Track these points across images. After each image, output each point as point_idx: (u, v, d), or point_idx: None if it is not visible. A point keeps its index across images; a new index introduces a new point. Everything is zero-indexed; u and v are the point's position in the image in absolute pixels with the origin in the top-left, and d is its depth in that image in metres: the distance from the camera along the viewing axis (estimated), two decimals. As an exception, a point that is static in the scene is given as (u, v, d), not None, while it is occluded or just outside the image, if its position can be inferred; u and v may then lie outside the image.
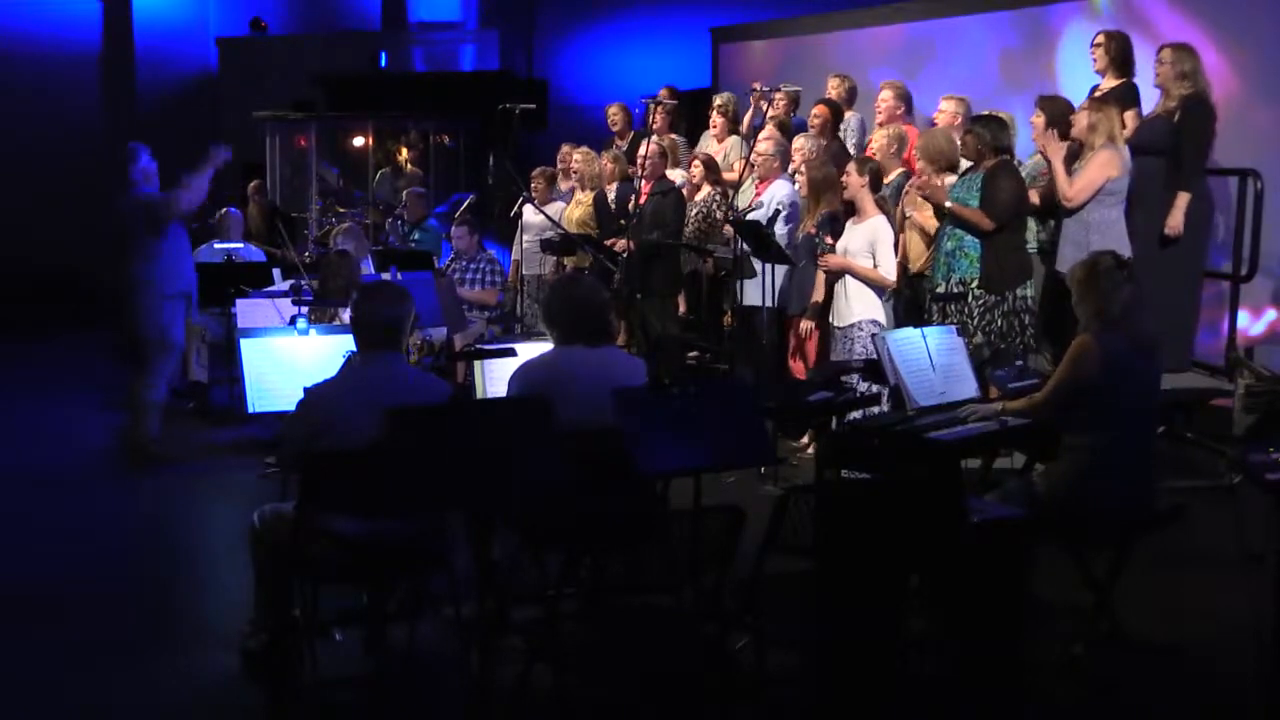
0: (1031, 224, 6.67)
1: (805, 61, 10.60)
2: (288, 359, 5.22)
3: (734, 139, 9.11)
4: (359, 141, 14.42)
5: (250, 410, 5.17)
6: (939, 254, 6.47)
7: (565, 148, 9.53)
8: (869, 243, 6.66)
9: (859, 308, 6.67)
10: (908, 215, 6.83)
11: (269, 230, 10.99)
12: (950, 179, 6.61)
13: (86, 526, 6.18)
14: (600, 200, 8.79)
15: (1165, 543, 4.87)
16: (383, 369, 4.19)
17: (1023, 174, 6.61)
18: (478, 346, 5.53)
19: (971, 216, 6.28)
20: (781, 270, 7.22)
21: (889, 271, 6.67)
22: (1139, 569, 4.58)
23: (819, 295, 7.01)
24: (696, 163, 8.38)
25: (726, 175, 8.45)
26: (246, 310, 7.44)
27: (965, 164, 6.60)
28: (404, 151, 13.96)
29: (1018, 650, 3.99)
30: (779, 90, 8.77)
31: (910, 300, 6.81)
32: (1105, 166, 6.28)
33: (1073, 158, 6.51)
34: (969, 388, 5.04)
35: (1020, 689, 3.99)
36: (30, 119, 14.46)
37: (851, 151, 8.07)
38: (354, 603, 4.52)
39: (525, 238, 9.07)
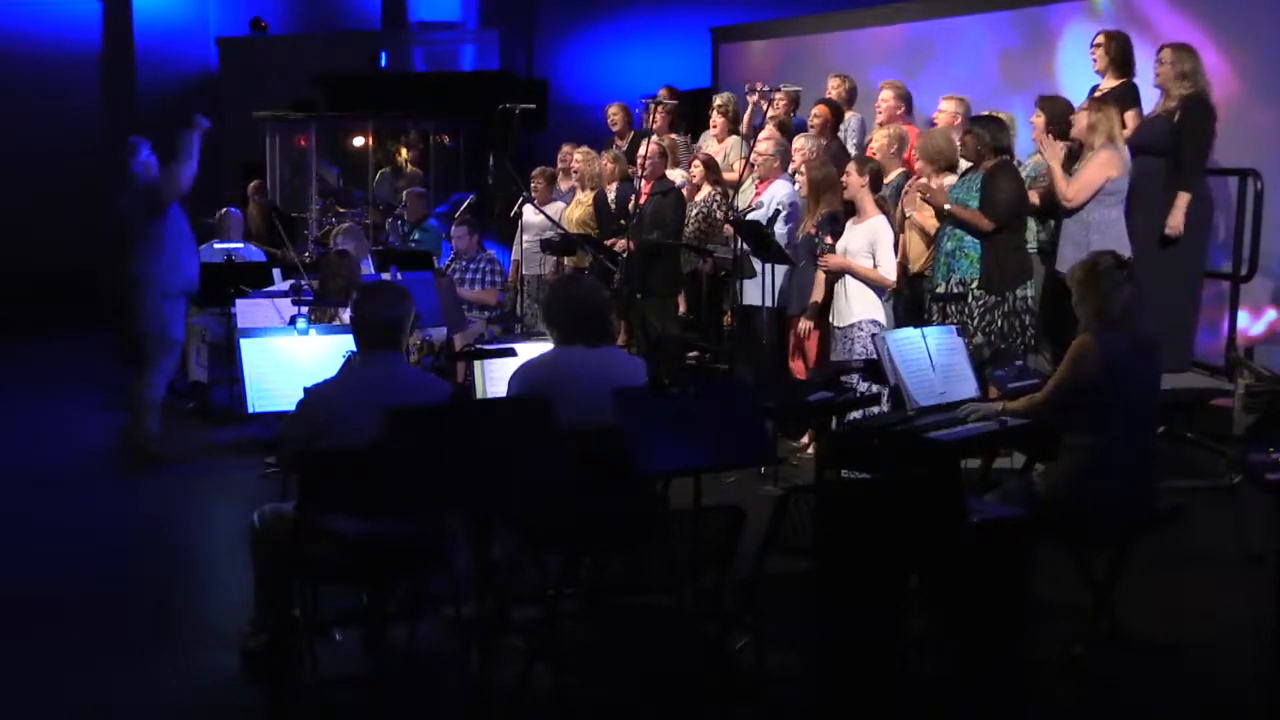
0: (1031, 224, 6.68)
1: (805, 61, 10.60)
2: (288, 359, 5.22)
3: (734, 139, 9.10)
4: (359, 141, 14.41)
5: (250, 410, 5.18)
6: (939, 254, 6.48)
7: (565, 148, 9.53)
8: (869, 243, 6.66)
9: (859, 308, 6.67)
10: (908, 215, 6.84)
11: (269, 230, 10.96)
12: (950, 179, 6.62)
13: (86, 526, 6.18)
14: (600, 200, 8.78)
15: (1165, 543, 4.87)
16: (383, 369, 4.19)
17: (1022, 174, 6.61)
18: (478, 346, 5.53)
19: (971, 217, 6.28)
20: (781, 270, 7.22)
21: (889, 271, 6.67)
22: (1139, 569, 4.58)
23: (819, 295, 7.01)
24: (696, 163, 8.38)
25: (726, 175, 8.44)
26: (246, 310, 7.45)
27: (965, 164, 6.61)
28: (404, 151, 13.94)
29: (1018, 650, 3.98)
30: (779, 90, 8.77)
31: (910, 300, 6.81)
32: (1105, 166, 6.28)
33: (1073, 158, 6.52)
34: (969, 388, 5.04)
35: (1020, 689, 3.99)
36: (30, 119, 14.44)
37: (851, 151, 8.07)
38: (354, 603, 4.52)
39: (525, 238, 9.07)
